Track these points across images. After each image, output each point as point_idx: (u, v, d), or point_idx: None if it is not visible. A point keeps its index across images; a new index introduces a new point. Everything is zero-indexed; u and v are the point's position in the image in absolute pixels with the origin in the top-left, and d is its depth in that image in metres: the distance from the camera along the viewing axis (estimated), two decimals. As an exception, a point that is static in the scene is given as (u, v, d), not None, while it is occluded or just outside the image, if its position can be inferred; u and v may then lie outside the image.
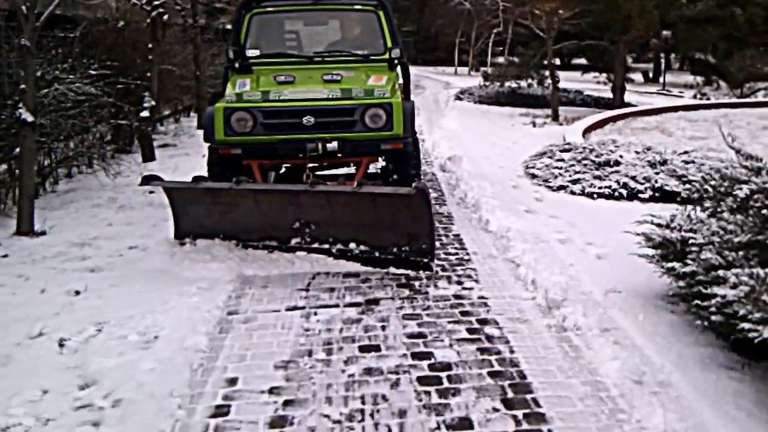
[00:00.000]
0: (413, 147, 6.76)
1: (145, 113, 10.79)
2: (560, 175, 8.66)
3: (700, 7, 18.28)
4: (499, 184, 8.75)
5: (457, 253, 6.14)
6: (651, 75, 30.55)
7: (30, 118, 6.84)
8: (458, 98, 21.43)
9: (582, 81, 24.68)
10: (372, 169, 7.33)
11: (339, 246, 5.81)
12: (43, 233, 6.86)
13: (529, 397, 3.66)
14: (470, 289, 5.24)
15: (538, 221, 7.04)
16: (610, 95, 20.89)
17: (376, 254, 5.70)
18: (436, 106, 19.75)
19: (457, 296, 5.10)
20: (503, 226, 6.65)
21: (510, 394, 3.68)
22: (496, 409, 3.53)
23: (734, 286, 3.74)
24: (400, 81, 7.46)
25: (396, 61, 7.17)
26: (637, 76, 32.00)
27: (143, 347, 4.27)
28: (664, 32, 21.69)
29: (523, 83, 21.08)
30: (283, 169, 7.42)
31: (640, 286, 5.08)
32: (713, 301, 3.86)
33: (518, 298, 5.05)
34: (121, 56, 11.22)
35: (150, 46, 11.48)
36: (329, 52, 7.36)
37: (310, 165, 6.39)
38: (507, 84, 21.34)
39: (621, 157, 8.61)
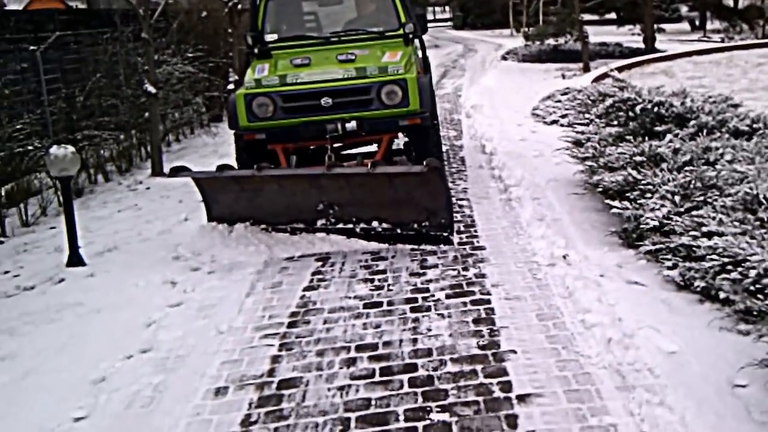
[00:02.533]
0: (432, 120, 6.87)
1: (230, 86, 13.62)
2: (554, 112, 11.06)
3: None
4: (508, 122, 11.23)
5: (459, 167, 8.70)
6: (697, 23, 31.89)
7: (153, 90, 9.72)
8: (504, 58, 23.63)
9: (618, 34, 26.45)
10: (397, 145, 7.58)
11: (362, 225, 5.99)
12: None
13: (472, 230, 6.26)
14: (459, 184, 7.82)
15: (524, 145, 9.50)
16: (642, 45, 22.78)
17: (398, 231, 5.91)
18: (482, 66, 22.08)
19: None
20: (496, 149, 9.19)
21: (462, 229, 6.27)
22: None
23: (604, 165, 6.24)
24: (419, 55, 7.75)
25: (411, 36, 7.38)
26: (685, 25, 33.30)
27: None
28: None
29: (561, 40, 23.13)
30: (310, 150, 7.50)
31: (573, 178, 7.53)
32: (595, 178, 6.35)
33: (488, 187, 7.62)
34: (208, 41, 14.06)
35: (229, 30, 14.27)
36: (345, 32, 7.53)
37: (334, 145, 6.61)
38: (547, 42, 23.41)
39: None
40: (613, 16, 31.41)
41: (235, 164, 6.87)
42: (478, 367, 3.90)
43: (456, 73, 20.50)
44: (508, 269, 5.32)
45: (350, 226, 6.01)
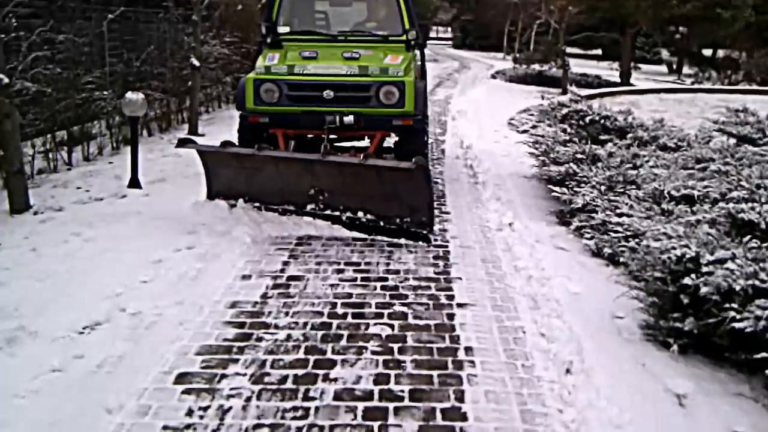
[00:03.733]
0: (422, 124, 6.84)
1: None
2: (526, 123, 11.94)
3: (688, 7, 20.84)
4: (486, 128, 12.10)
5: (439, 156, 9.58)
6: (674, 67, 32.87)
7: (197, 64, 10.55)
8: (493, 77, 24.50)
9: (599, 68, 27.36)
10: (388, 143, 7.48)
11: (348, 214, 5.95)
12: (203, 135, 10.55)
13: (442, 200, 7.15)
14: (437, 168, 8.70)
15: (496, 146, 10.38)
16: (618, 79, 23.74)
17: (381, 223, 5.85)
18: (473, 81, 22.94)
19: (431, 171, 8.59)
20: (472, 145, 10.07)
21: (435, 199, 7.16)
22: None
23: (552, 160, 7.12)
24: (418, 62, 7.76)
25: (413, 43, 7.34)
26: (663, 68, 34.27)
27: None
28: (680, 28, 24.32)
29: (546, 67, 24.03)
30: (308, 138, 7.39)
31: (529, 172, 8.41)
32: (544, 170, 7.24)
33: (460, 172, 8.50)
34: (241, 30, 14.86)
35: (259, 23, 15.06)
36: (352, 32, 7.47)
37: (330, 136, 6.50)
38: (533, 67, 24.29)
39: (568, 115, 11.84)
40: (599, 51, 32.41)
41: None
42: (432, 284, 4.82)
43: (449, 85, 21.36)
44: (465, 229, 6.21)
45: (337, 213, 5.97)
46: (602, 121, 7.57)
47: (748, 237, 4.14)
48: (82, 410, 3.26)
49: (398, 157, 6.55)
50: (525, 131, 11.70)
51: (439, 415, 3.28)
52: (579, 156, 6.76)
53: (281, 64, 6.62)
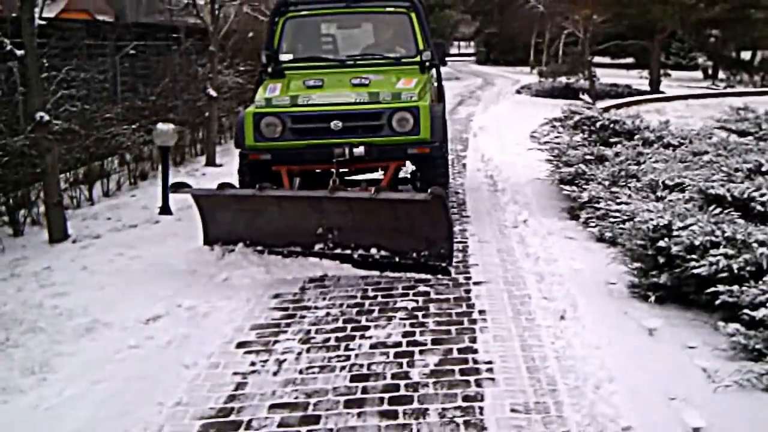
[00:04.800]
0: (440, 151, 7.03)
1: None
2: (548, 134, 13.44)
3: (717, 9, 22.48)
4: (508, 142, 13.66)
5: (460, 170, 11.13)
6: (710, 72, 34.37)
7: (214, 94, 12.26)
8: (518, 92, 26.17)
9: (629, 77, 28.95)
10: (404, 173, 7.82)
11: (361, 251, 6.16)
12: (221, 165, 12.16)
13: (462, 207, 8.67)
14: (458, 180, 10.25)
15: (517, 158, 11.86)
16: (648, 88, 25.32)
17: (396, 259, 6.09)
18: (497, 97, 24.62)
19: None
20: (492, 158, 11.63)
21: (456, 206, 8.64)
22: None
23: (565, 163, 8.62)
24: (435, 83, 8.05)
25: (428, 63, 7.58)
26: (699, 73, 35.82)
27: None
28: (713, 31, 26.01)
29: (573, 79, 25.66)
30: (315, 173, 7.44)
31: (546, 179, 9.88)
32: (558, 171, 8.74)
33: (480, 183, 10.09)
34: (255, 57, 16.63)
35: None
36: (362, 56, 7.73)
37: (340, 170, 6.66)
38: (559, 80, 25.94)
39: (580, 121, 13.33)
40: (629, 60, 34.12)
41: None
42: (452, 270, 6.28)
43: (471, 102, 23.05)
44: (483, 228, 7.71)
45: (348, 251, 6.19)
46: (612, 126, 9.06)
47: (713, 206, 5.60)
48: (164, 368, 4.70)
49: (415, 188, 6.85)
50: (547, 142, 13.21)
51: (455, 352, 4.72)
52: (588, 157, 8.25)
53: (284, 95, 6.82)
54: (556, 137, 12.87)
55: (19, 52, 7.59)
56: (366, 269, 6.15)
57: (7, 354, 4.72)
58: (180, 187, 6.77)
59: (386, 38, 8.29)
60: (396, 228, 6.02)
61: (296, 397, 4.21)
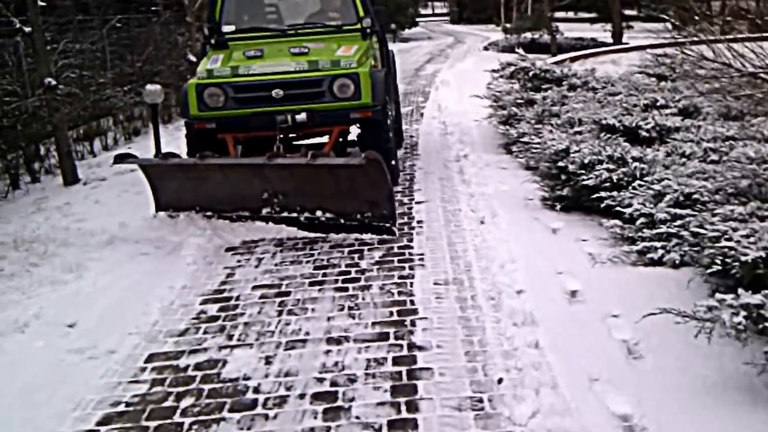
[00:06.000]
0: (383, 113, 7.17)
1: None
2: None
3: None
4: (465, 93, 14.90)
5: (418, 118, 12.42)
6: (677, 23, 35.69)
7: (194, 59, 13.42)
8: (485, 49, 27.37)
9: (593, 30, 30.20)
10: (354, 136, 7.94)
11: (306, 214, 6.35)
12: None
13: (416, 146, 9.97)
14: (415, 126, 11.55)
15: (470, 107, 13.04)
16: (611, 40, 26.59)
17: (341, 221, 6.27)
18: (464, 54, 25.85)
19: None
20: (447, 107, 12.95)
21: (409, 145, 9.96)
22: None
23: (500, 106, 9.94)
24: (376, 50, 8.18)
25: (369, 30, 7.77)
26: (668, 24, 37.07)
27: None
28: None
29: (537, 35, 26.88)
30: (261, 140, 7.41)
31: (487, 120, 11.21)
32: (494, 113, 10.05)
33: (433, 128, 11.37)
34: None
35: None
36: (303, 25, 7.87)
37: (285, 136, 6.91)
38: (525, 35, 27.14)
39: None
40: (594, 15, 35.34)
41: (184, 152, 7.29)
42: (398, 194, 7.59)
43: (439, 60, 24.30)
44: (430, 163, 9.06)
45: (295, 214, 6.39)
46: (543, 74, 10.37)
47: (605, 134, 6.94)
48: (171, 265, 5.95)
49: (363, 150, 6.81)
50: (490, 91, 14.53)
51: (396, 249, 6.06)
52: (519, 101, 9.57)
53: (224, 66, 7.02)
54: (498, 86, 14.26)
55: (27, 29, 8.80)
56: (312, 231, 6.38)
57: (49, 260, 6.05)
58: (125, 157, 6.92)
59: (328, 7, 8.39)
60: (338, 191, 6.18)
61: (272, 281, 5.53)
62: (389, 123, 7.50)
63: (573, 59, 20.65)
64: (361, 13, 7.87)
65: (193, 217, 6.77)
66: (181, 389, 3.98)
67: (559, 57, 20.54)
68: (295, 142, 7.76)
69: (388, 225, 6.23)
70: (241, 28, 7.87)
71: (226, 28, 7.84)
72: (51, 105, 9.17)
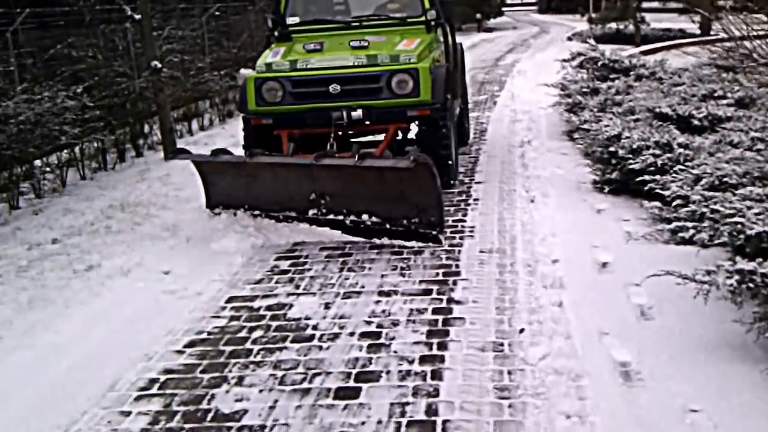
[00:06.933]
0: (443, 112, 6.86)
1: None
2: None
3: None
4: (540, 82, 15.34)
5: (490, 105, 12.90)
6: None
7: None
8: (569, 39, 27.40)
9: (682, 21, 29.77)
10: (413, 134, 7.62)
11: (352, 217, 6.08)
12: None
13: (486, 131, 10.50)
14: (487, 114, 12.06)
15: (542, 96, 13.45)
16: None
17: (387, 226, 5.98)
18: (547, 44, 26.01)
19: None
20: (520, 95, 13.40)
21: (479, 130, 10.49)
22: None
23: (567, 95, 10.35)
24: (441, 44, 7.90)
25: (433, 23, 7.50)
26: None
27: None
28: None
29: (622, 25, 26.77)
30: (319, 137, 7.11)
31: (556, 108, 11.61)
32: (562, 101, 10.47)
33: (504, 115, 11.85)
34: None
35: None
36: (368, 17, 7.58)
37: (339, 133, 6.74)
38: (609, 26, 27.07)
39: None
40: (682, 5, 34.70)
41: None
42: (461, 175, 8.15)
43: (521, 50, 24.57)
44: (495, 147, 9.56)
45: (341, 217, 6.13)
46: (611, 64, 10.71)
47: (656, 121, 7.34)
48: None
49: (421, 149, 6.53)
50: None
51: (450, 221, 6.62)
52: (584, 90, 9.96)
53: (284, 60, 6.85)
54: (568, 76, 14.56)
55: (137, 16, 9.72)
56: (356, 235, 6.12)
57: (150, 221, 6.94)
58: (179, 153, 6.86)
59: None
60: (386, 194, 5.92)
61: (337, 243, 6.18)
62: (450, 122, 7.17)
63: (656, 50, 20.68)
64: (426, 5, 7.60)
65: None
66: (253, 324, 4.70)
67: (643, 48, 20.57)
68: (352, 140, 7.48)
69: (435, 233, 5.91)
70: (305, 20, 7.73)
71: (290, 20, 7.71)
72: (156, 86, 10.08)
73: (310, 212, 6.25)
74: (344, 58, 6.76)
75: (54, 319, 4.91)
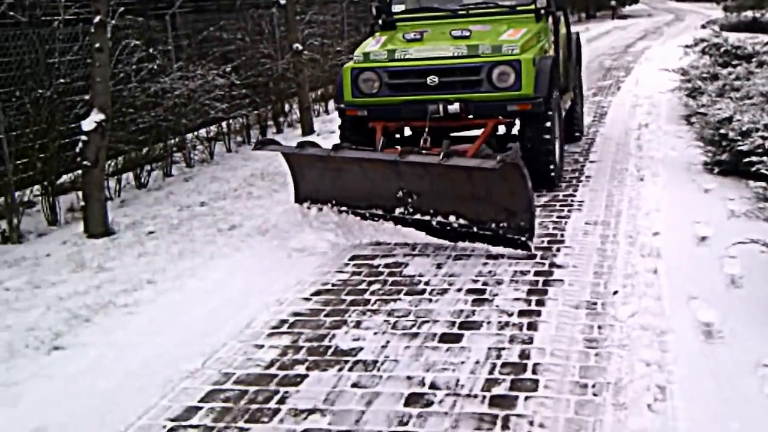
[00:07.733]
0: (546, 107, 6.34)
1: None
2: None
3: None
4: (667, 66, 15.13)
5: (614, 90, 12.88)
6: None
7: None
8: (703, 27, 26.46)
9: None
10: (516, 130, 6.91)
11: (439, 218, 5.67)
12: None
13: (606, 114, 10.59)
14: (609, 98, 12.07)
15: (667, 82, 13.28)
16: None
17: (475, 229, 5.54)
18: (680, 32, 25.29)
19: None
20: (645, 81, 13.29)
21: (599, 115, 10.58)
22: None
23: (687, 80, 10.28)
24: (551, 34, 7.25)
25: (543, 12, 6.93)
26: None
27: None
28: None
29: (759, 13, 25.59)
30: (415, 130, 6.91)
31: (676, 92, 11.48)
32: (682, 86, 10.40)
33: (626, 100, 11.84)
34: None
35: None
36: (475, 5, 7.08)
37: (435, 127, 6.28)
38: (744, 14, 25.93)
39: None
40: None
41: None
42: (576, 154, 8.35)
43: (653, 37, 24.06)
44: (612, 130, 9.67)
45: (427, 218, 5.73)
46: (734, 51, 10.54)
47: (768, 105, 7.31)
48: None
49: (523, 147, 5.96)
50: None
51: (561, 196, 6.87)
52: (704, 75, 9.88)
53: (382, 50, 6.47)
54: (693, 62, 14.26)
55: (283, 2, 10.42)
56: (441, 238, 5.72)
57: (285, 189, 7.42)
58: (266, 143, 6.40)
59: None
60: (474, 195, 5.46)
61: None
62: (555, 118, 6.64)
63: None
64: None
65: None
66: (372, 279, 5.16)
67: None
68: (452, 134, 6.89)
69: (524, 239, 5.38)
70: (410, 8, 7.32)
71: (395, 8, 7.30)
72: (297, 66, 10.76)
73: (397, 211, 5.88)
74: (444, 48, 6.35)
75: (200, 269, 5.55)
